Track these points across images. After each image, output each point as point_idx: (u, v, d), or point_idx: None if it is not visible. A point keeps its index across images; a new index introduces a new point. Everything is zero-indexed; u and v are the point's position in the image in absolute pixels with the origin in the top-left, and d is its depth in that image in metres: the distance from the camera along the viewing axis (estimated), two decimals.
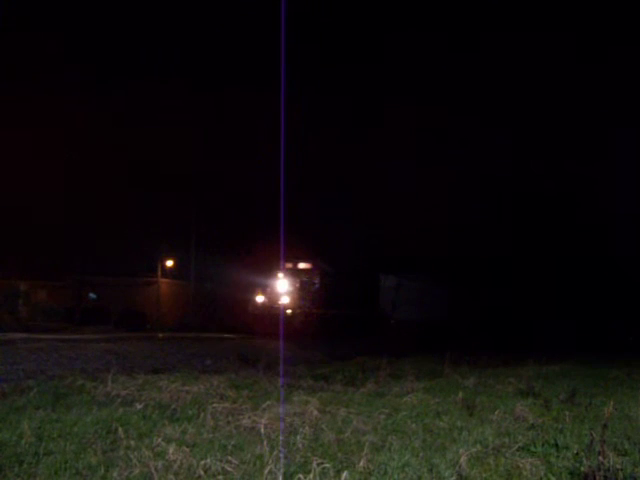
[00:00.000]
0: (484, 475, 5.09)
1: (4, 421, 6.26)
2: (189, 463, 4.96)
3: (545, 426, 7.04)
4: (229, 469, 4.90)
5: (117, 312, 33.02)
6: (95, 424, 6.19)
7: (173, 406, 7.35)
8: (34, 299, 36.16)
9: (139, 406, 7.28)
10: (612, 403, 7.48)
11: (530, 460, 5.43)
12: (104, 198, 39.34)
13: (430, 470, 5.10)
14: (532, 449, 5.92)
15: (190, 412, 7.06)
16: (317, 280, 28.77)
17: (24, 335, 18.85)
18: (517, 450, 5.84)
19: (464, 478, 5.00)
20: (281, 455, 5.24)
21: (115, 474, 4.71)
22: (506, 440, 6.23)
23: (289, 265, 28.59)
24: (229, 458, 5.08)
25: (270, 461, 5.02)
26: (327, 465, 4.94)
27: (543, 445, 6.05)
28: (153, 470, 4.73)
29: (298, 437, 5.93)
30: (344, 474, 4.76)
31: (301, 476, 4.69)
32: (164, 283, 38.16)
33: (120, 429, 5.86)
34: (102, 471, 4.77)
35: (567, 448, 5.94)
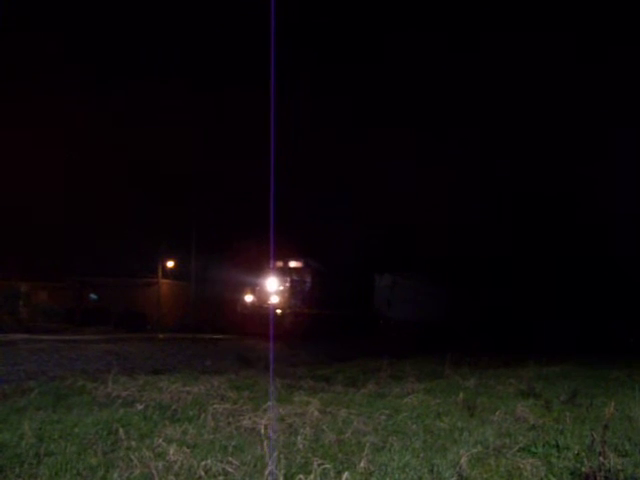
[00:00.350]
0: (485, 476, 5.09)
1: (5, 422, 6.26)
2: (190, 464, 4.96)
3: (546, 427, 7.04)
4: (230, 470, 4.89)
5: (118, 313, 33.00)
6: (96, 425, 6.19)
7: (174, 407, 7.35)
8: (35, 300, 36.16)
9: (140, 407, 7.28)
10: (613, 404, 7.47)
11: (531, 461, 5.43)
12: (104, 198, 39.39)
13: (431, 471, 5.10)
14: (533, 450, 5.92)
15: (191, 413, 7.06)
16: (308, 279, 28.13)
17: (25, 336, 18.86)
18: (518, 451, 5.84)
19: (465, 479, 5.00)
20: (282, 456, 5.24)
21: (116, 475, 4.71)
22: (507, 441, 6.23)
23: (279, 264, 27.94)
24: (230, 459, 5.08)
25: (271, 462, 5.02)
26: (328, 466, 4.94)
27: (544, 446, 6.05)
28: (154, 471, 4.73)
29: (299, 438, 5.93)
30: (345, 475, 4.76)
31: (302, 477, 4.69)
32: (164, 284, 38.17)
33: (121, 430, 5.86)
34: (103, 472, 4.77)
35: (568, 449, 5.94)
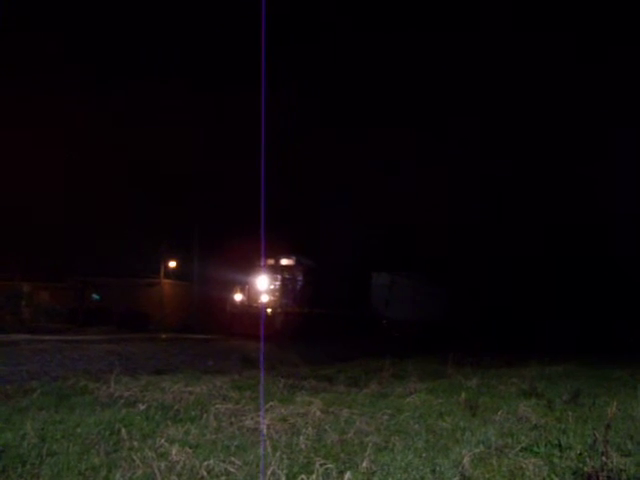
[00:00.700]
0: (487, 475, 5.09)
1: (8, 422, 6.27)
2: (192, 464, 4.96)
3: (548, 426, 7.03)
4: (232, 470, 4.90)
5: (120, 313, 33.02)
6: (98, 425, 6.20)
7: (176, 407, 7.35)
8: (37, 300, 36.17)
9: (142, 407, 7.29)
10: (615, 404, 7.46)
11: (533, 460, 5.43)
12: (105, 198, 39.39)
13: (433, 471, 5.10)
14: (535, 449, 5.91)
15: (193, 413, 7.06)
16: (300, 277, 27.29)
17: (27, 336, 18.89)
18: (520, 450, 5.84)
19: (467, 478, 5.00)
20: (284, 456, 5.24)
21: (118, 475, 4.72)
22: (509, 440, 6.23)
23: (270, 261, 27.06)
24: (232, 459, 5.09)
25: (273, 462, 5.02)
26: (330, 466, 4.94)
27: (546, 445, 6.05)
28: (156, 471, 4.74)
29: (301, 438, 5.93)
30: (347, 475, 4.77)
31: (304, 477, 4.69)
32: (167, 284, 38.20)
33: (123, 430, 5.86)
34: (105, 472, 4.78)
35: (570, 448, 5.93)
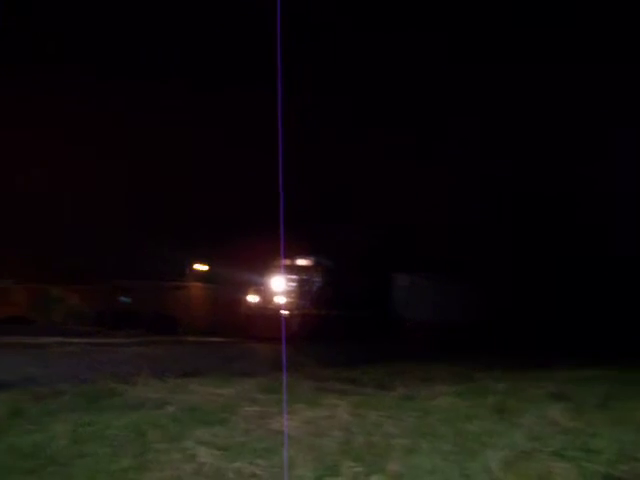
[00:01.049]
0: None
1: (38, 423, 6.34)
2: (219, 466, 4.99)
3: (577, 430, 6.96)
4: (259, 472, 4.92)
5: (148, 316, 33.20)
6: (127, 427, 6.25)
7: (204, 409, 7.39)
8: (67, 303, 36.55)
9: (170, 409, 7.33)
10: None
11: (562, 465, 5.38)
12: (134, 200, 39.59)
13: (461, 474, 5.08)
14: (564, 453, 5.85)
15: (221, 415, 7.09)
16: (318, 278, 26.83)
17: (57, 339, 19.07)
18: (549, 454, 5.79)
19: None
20: (311, 458, 5.25)
21: (147, 477, 4.76)
22: (538, 444, 6.17)
23: (286, 261, 26.44)
24: (259, 461, 5.11)
25: (300, 464, 5.03)
26: (357, 468, 4.94)
27: (576, 449, 5.99)
28: (184, 473, 4.77)
29: (328, 440, 5.94)
30: (374, 477, 4.77)
31: (330, 479, 4.70)
32: (194, 286, 38.29)
33: (152, 432, 5.91)
34: (134, 473, 4.82)
35: (600, 453, 5.87)
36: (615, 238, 37.49)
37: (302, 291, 26.21)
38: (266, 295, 26.06)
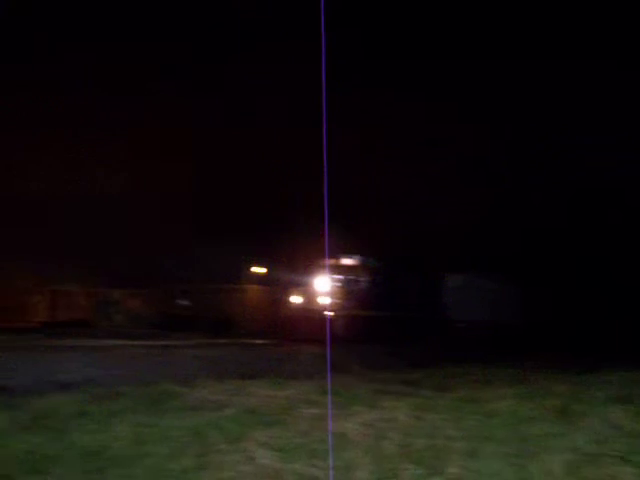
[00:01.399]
0: None
1: (102, 424, 6.45)
2: (278, 468, 5.00)
3: None
4: (318, 474, 4.91)
5: (206, 318, 33.59)
6: (187, 429, 6.31)
7: (262, 411, 7.42)
8: (127, 306, 37.26)
9: (229, 411, 7.38)
10: None
11: (628, 469, 5.25)
12: (191, 203, 39.99)
13: (523, 478, 5.00)
14: (630, 458, 5.70)
15: (279, 417, 7.11)
16: (364, 278, 26.14)
17: (117, 342, 19.45)
18: (614, 458, 5.65)
19: None
20: (370, 460, 5.22)
21: (207, 477, 4.80)
22: (602, 448, 6.03)
23: (331, 261, 25.75)
24: (318, 463, 5.10)
25: (359, 466, 5.01)
26: (416, 471, 4.90)
27: None
28: (243, 474, 4.80)
29: (387, 442, 5.90)
30: None
31: None
32: (251, 289, 38.56)
33: (211, 434, 5.96)
34: (194, 474, 4.86)
35: None
36: None
37: (347, 291, 25.66)
38: (309, 296, 25.65)
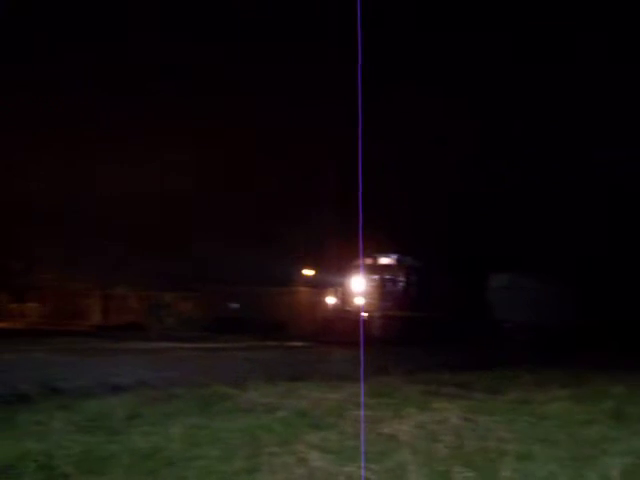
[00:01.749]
0: None
1: (155, 426, 6.53)
2: (331, 470, 5.00)
3: None
4: (370, 476, 4.90)
5: (257, 321, 33.77)
6: (239, 431, 6.35)
7: (314, 414, 7.43)
8: (179, 309, 37.68)
9: (281, 413, 7.40)
10: None
11: None
12: (243, 206, 40.15)
13: None
14: None
15: (330, 419, 7.11)
16: (402, 277, 25.40)
17: (169, 344, 19.67)
18: None
19: None
20: (422, 463, 5.19)
21: (260, 479, 4.82)
22: None
23: (367, 260, 25.03)
24: (370, 465, 5.08)
25: (411, 469, 4.99)
26: (469, 474, 4.86)
27: None
28: (295, 476, 4.81)
29: (439, 445, 5.86)
30: None
31: None
32: (302, 292, 38.61)
33: (263, 436, 5.99)
34: (247, 476, 4.89)
35: None
36: None
37: (383, 292, 25.04)
38: (344, 297, 25.15)
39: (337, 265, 26.55)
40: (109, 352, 16.74)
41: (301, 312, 37.17)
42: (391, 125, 34.53)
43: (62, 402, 7.80)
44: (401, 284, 25.65)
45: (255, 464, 5.18)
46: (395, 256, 26.17)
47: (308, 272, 38.84)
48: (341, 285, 25.62)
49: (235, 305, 37.76)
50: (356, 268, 24.92)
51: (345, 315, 24.15)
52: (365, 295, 24.48)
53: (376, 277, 25.08)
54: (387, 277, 25.36)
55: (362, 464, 5.05)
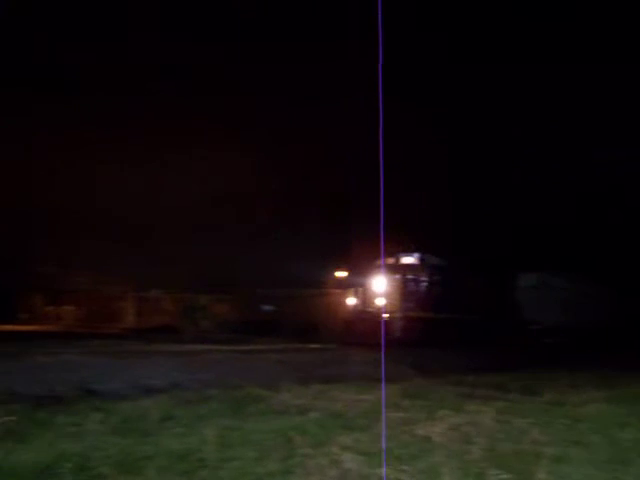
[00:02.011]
0: None
1: (189, 427, 6.58)
2: (365, 472, 4.99)
3: None
4: (405, 478, 4.89)
5: (290, 324, 33.80)
6: (273, 432, 6.37)
7: (347, 415, 7.43)
8: (213, 312, 37.82)
9: (314, 415, 7.41)
10: None
11: None
12: (277, 210, 40.25)
13: None
14: None
15: (364, 421, 7.10)
16: (425, 277, 24.58)
17: (203, 346, 19.74)
18: None
19: None
20: (457, 465, 5.16)
21: None
22: None
23: (389, 260, 24.40)
24: (404, 467, 5.07)
25: (445, 471, 4.97)
26: (504, 476, 4.82)
27: None
28: (329, 478, 4.81)
29: (473, 447, 5.82)
30: None
31: None
32: (335, 294, 38.53)
33: (296, 437, 6.00)
34: (280, 477, 4.90)
35: None
36: None
37: (406, 292, 24.20)
38: (365, 297, 24.44)
39: (361, 266, 26.01)
40: (143, 354, 16.84)
41: (331, 314, 37.13)
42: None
43: (97, 404, 7.89)
44: (424, 284, 24.91)
45: (289, 466, 5.20)
46: (418, 255, 25.44)
47: (340, 274, 38.76)
48: (362, 285, 24.74)
49: (269, 307, 37.82)
50: (377, 268, 24.19)
51: (366, 316, 23.57)
52: (387, 296, 23.63)
53: (398, 277, 24.25)
54: (409, 277, 24.57)
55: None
